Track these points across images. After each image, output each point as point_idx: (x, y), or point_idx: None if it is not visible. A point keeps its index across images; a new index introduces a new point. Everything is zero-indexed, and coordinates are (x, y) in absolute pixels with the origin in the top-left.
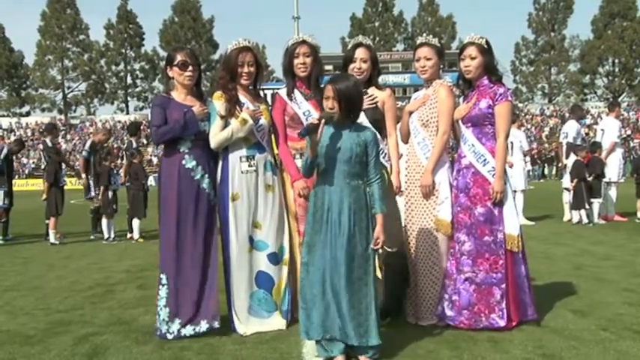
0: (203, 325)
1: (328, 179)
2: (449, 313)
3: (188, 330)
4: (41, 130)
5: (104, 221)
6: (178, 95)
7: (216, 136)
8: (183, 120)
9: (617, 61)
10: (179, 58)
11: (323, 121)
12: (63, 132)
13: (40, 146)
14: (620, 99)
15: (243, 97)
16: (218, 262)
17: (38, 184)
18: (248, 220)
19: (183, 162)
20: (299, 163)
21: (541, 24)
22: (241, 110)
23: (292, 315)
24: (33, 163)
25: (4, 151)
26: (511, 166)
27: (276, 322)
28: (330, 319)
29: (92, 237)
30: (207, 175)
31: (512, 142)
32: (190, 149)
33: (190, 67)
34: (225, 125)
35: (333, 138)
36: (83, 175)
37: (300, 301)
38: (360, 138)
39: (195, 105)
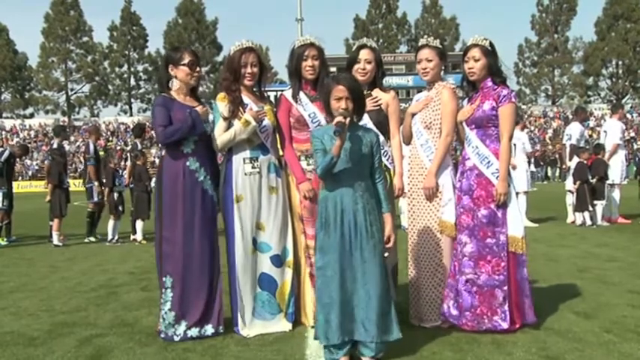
0: (209, 329)
1: (340, 181)
2: (454, 312)
3: (194, 332)
4: (45, 131)
5: (110, 222)
6: (178, 96)
7: (220, 137)
8: (191, 119)
9: (620, 63)
10: (188, 58)
11: (348, 119)
12: (67, 134)
13: (44, 147)
14: (623, 101)
15: (246, 98)
16: (222, 264)
17: (41, 186)
18: (252, 222)
19: (188, 163)
20: (304, 164)
21: (544, 26)
22: (244, 111)
23: (296, 317)
24: (36, 164)
25: (6, 153)
26: (514, 168)
27: (281, 324)
28: (349, 321)
29: (86, 240)
30: (209, 177)
31: (515, 144)
32: (194, 150)
33: (198, 67)
34: (229, 127)
35: (347, 141)
36: (96, 183)
37: (318, 306)
38: (367, 139)
39: (195, 105)
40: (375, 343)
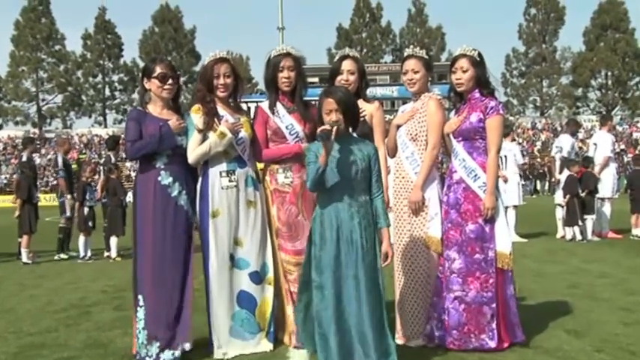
0: (186, 347)
1: (336, 196)
2: (437, 332)
3: (167, 355)
4: (14, 144)
5: (81, 239)
6: (154, 109)
7: (194, 151)
8: (159, 134)
9: (609, 73)
10: (159, 70)
11: (335, 128)
12: (37, 146)
13: (13, 160)
14: (613, 112)
15: (222, 110)
16: (198, 281)
17: (10, 201)
18: (229, 238)
19: (159, 178)
20: (281, 178)
21: (532, 35)
22: (220, 123)
23: (277, 337)
24: (5, 178)
25: None
26: (505, 181)
27: (262, 344)
28: (348, 344)
29: (56, 257)
30: (184, 192)
31: (506, 156)
32: (167, 165)
33: (170, 80)
34: (204, 139)
35: (337, 153)
36: (69, 196)
37: (317, 326)
38: (364, 152)
39: (172, 118)
40: None
